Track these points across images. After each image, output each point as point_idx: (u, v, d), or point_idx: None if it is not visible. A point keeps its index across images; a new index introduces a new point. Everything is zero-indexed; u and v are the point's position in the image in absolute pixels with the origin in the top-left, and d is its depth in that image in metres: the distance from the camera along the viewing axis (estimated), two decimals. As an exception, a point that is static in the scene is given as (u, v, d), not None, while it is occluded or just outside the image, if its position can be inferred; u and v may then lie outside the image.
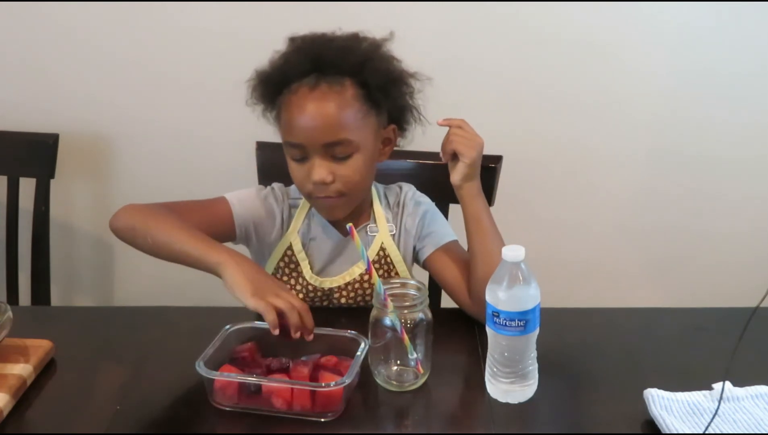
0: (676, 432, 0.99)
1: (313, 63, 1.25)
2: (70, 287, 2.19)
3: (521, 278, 1.05)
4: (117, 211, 1.27)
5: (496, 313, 1.06)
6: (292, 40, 1.30)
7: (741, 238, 2.13)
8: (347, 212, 1.33)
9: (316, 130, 1.23)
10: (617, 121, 2.03)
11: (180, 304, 1.38)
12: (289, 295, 1.12)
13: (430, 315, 1.12)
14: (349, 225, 1.12)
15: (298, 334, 1.09)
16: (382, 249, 1.37)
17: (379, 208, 1.39)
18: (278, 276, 1.37)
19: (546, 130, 2.02)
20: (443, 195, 1.50)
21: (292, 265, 1.37)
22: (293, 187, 1.39)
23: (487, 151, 1.56)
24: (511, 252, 1.04)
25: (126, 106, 2.00)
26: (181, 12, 1.91)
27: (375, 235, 1.38)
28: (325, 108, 1.23)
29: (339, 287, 1.36)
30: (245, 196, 1.38)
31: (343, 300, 1.37)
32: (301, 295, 1.36)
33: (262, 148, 1.61)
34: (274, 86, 1.29)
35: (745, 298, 1.06)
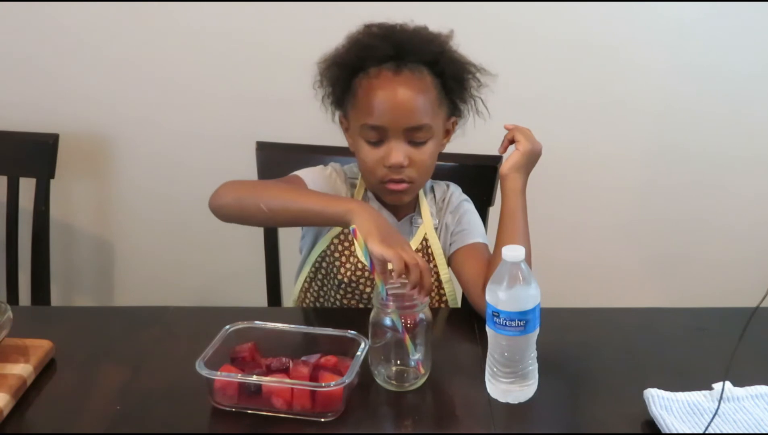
0: (676, 432, 0.99)
1: (395, 49, 1.29)
2: (70, 287, 2.19)
3: (521, 278, 1.05)
4: (216, 190, 1.29)
5: (496, 313, 1.06)
6: (368, 26, 1.33)
7: (741, 237, 2.13)
8: (412, 197, 1.38)
9: (401, 113, 1.27)
10: (617, 120, 2.03)
11: (180, 304, 1.38)
12: (413, 251, 1.13)
13: (430, 315, 1.12)
14: (352, 227, 1.13)
15: (414, 292, 1.10)
16: (425, 240, 1.41)
17: (424, 201, 1.43)
18: (331, 250, 1.40)
19: (546, 129, 1.99)
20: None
21: (347, 243, 1.39)
22: (347, 168, 1.44)
23: (486, 151, 1.57)
24: (511, 252, 1.05)
25: (126, 106, 2.00)
26: (181, 12, 1.91)
27: (419, 227, 1.41)
28: (410, 93, 1.28)
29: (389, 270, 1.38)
30: (314, 174, 1.41)
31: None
32: (349, 272, 1.39)
33: (262, 148, 1.62)
34: (351, 69, 1.32)
35: (746, 297, 1.06)
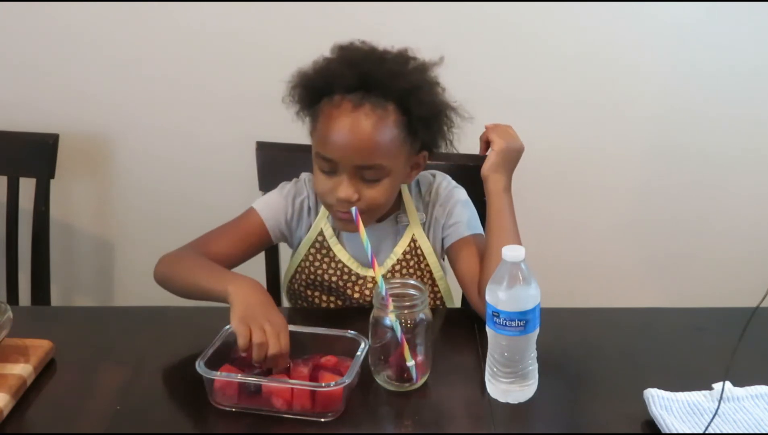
0: (676, 432, 0.99)
1: (361, 80, 1.23)
2: (70, 287, 2.19)
3: (521, 278, 1.05)
4: (156, 265, 1.33)
5: (496, 313, 1.06)
6: (342, 48, 1.28)
7: (741, 237, 2.14)
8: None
9: (352, 151, 1.23)
10: (616, 120, 2.03)
11: (180, 304, 1.38)
12: (273, 330, 1.09)
13: (430, 315, 1.12)
14: (354, 208, 1.13)
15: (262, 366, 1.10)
16: (413, 240, 1.39)
17: (408, 198, 1.40)
18: (309, 261, 1.40)
19: (546, 129, 2.02)
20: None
21: (324, 250, 1.39)
22: None
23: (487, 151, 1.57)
24: (511, 252, 1.05)
25: (126, 106, 2.00)
26: (181, 12, 1.91)
27: (406, 226, 1.39)
28: (365, 131, 1.22)
29: (372, 278, 1.38)
30: (271, 199, 1.41)
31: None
32: (334, 278, 1.39)
33: (262, 148, 1.61)
34: (316, 92, 1.28)
35: (745, 297, 1.06)
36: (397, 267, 1.38)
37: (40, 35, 1.95)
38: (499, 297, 1.05)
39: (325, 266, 1.39)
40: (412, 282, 1.15)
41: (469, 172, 1.56)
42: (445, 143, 1.33)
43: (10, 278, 1.81)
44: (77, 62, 1.97)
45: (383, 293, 1.09)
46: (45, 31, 1.94)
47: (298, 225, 1.41)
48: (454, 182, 1.44)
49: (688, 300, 2.03)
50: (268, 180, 1.53)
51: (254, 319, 1.10)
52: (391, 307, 1.09)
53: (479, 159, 1.57)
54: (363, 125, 1.22)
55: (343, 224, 1.32)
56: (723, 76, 1.99)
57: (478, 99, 2.02)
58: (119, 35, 1.94)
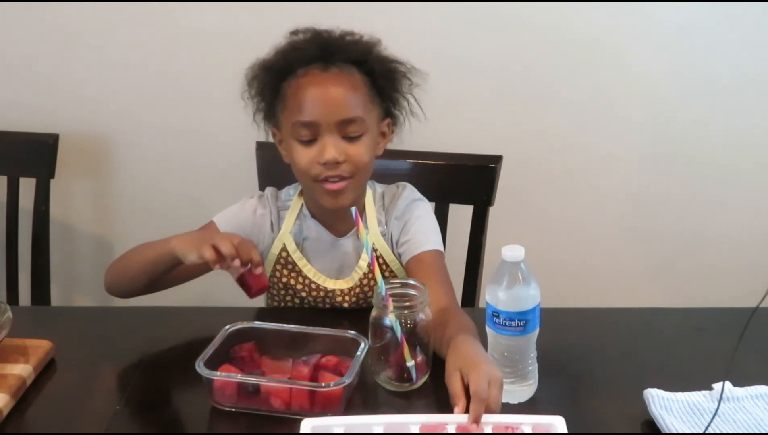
0: (676, 432, 0.99)
1: (321, 50, 1.27)
2: (70, 287, 2.19)
3: (521, 278, 1.05)
4: (104, 277, 1.36)
5: (496, 313, 1.06)
6: (295, 33, 1.32)
7: (741, 238, 2.13)
8: (352, 199, 1.30)
9: (332, 106, 1.24)
10: (617, 121, 2.03)
11: (180, 304, 1.38)
12: (221, 236, 1.17)
13: (430, 315, 1.12)
14: (353, 208, 1.12)
15: (237, 264, 1.13)
16: (374, 250, 1.35)
17: (371, 210, 1.37)
18: (277, 277, 1.38)
19: (546, 130, 2.02)
20: (443, 195, 1.49)
21: (290, 266, 1.37)
22: (283, 191, 1.41)
23: (487, 151, 1.57)
24: (511, 252, 1.04)
25: (126, 106, 2.00)
26: (181, 12, 1.91)
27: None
28: (340, 86, 1.25)
29: (342, 291, 1.36)
30: (232, 214, 1.39)
31: (345, 304, 1.36)
32: (303, 294, 1.37)
33: (262, 148, 1.62)
34: (278, 73, 1.29)
35: (745, 298, 1.06)
36: (365, 280, 1.35)
37: (40, 35, 1.95)
38: (498, 297, 1.05)
39: (293, 281, 1.37)
40: (412, 282, 1.15)
41: (468, 172, 1.56)
42: (407, 103, 1.34)
43: (10, 278, 1.81)
44: (77, 62, 1.97)
45: (383, 293, 1.09)
46: (45, 32, 1.94)
47: (258, 239, 1.36)
48: (418, 194, 1.41)
49: (688, 300, 2.03)
50: (268, 180, 1.53)
51: (206, 239, 1.15)
52: (391, 307, 1.09)
53: (477, 159, 1.57)
54: (336, 83, 1.26)
55: (333, 198, 1.28)
56: (725, 81, 1.99)
57: (477, 99, 2.03)
58: (119, 35, 1.94)
